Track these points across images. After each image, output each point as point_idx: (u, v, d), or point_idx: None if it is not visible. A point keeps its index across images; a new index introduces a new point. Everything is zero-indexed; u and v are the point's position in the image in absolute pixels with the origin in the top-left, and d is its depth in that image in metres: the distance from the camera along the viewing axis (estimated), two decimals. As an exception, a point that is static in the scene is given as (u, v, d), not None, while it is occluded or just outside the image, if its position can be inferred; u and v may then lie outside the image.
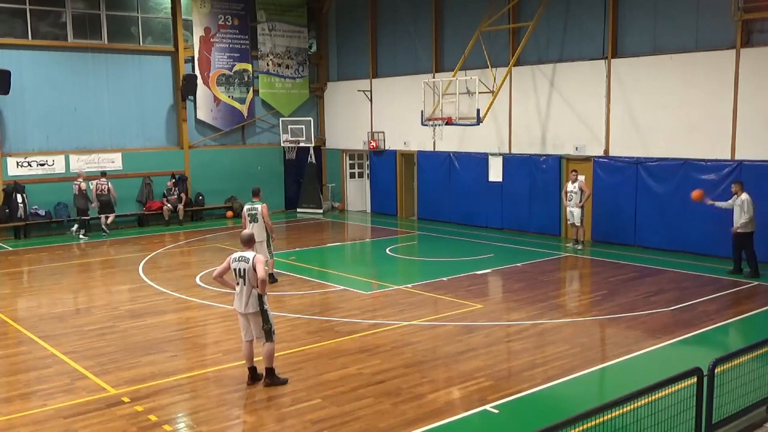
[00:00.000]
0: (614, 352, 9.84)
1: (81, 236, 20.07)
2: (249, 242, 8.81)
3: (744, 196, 13.93)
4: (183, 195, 22.76)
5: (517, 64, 19.42)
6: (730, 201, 14.28)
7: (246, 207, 13.67)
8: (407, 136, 23.07)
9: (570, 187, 17.21)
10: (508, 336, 10.68)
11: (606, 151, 18.05)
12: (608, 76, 17.76)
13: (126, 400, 8.25)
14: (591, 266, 15.87)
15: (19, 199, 20.14)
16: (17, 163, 20.51)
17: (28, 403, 8.31)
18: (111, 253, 18.21)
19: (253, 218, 13.42)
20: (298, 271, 15.22)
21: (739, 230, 14.00)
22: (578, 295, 13.50)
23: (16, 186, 20.21)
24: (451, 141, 21.41)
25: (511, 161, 20.12)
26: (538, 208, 19.39)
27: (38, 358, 9.99)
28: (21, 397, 8.55)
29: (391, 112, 23.71)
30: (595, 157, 18.23)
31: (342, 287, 13.88)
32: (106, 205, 20.50)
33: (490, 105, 18.45)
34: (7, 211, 20.14)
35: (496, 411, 7.87)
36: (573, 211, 17.26)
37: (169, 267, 16.29)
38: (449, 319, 11.53)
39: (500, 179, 20.38)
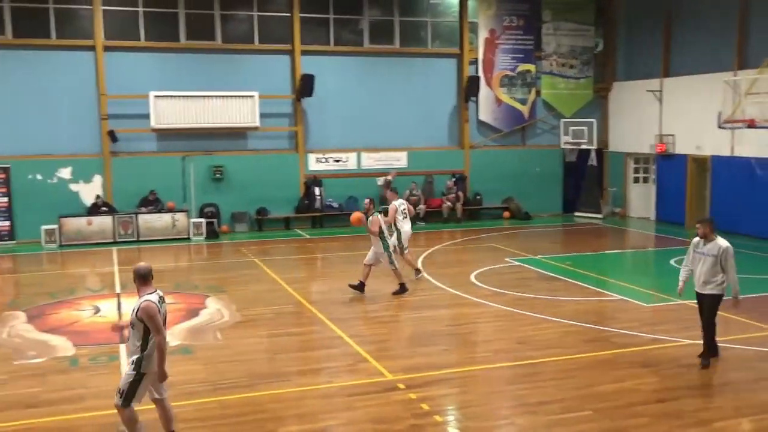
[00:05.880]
0: None
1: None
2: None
3: (722, 242, 9.34)
4: (461, 194, 23.36)
5: (841, 58, 16.97)
6: (686, 265, 9.68)
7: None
8: (700, 139, 21.27)
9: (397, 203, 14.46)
10: (815, 368, 9.39)
11: None
12: None
13: (401, 386, 8.67)
14: None
15: (317, 191, 22.25)
16: (317, 159, 22.65)
17: (317, 378, 9.14)
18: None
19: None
20: (574, 276, 14.83)
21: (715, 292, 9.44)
22: None
23: (315, 180, 22.34)
24: (752, 146, 19.32)
25: (827, 169, 17.66)
26: None
27: (327, 338, 10.92)
28: (312, 372, 9.42)
29: (682, 114, 22.05)
30: None
31: (620, 297, 13.24)
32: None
33: (804, 105, 16.36)
34: (306, 202, 22.32)
35: (797, 452, 6.96)
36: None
37: (445, 263, 16.81)
38: (741, 342, 10.45)
39: (812, 189, 17.98)
